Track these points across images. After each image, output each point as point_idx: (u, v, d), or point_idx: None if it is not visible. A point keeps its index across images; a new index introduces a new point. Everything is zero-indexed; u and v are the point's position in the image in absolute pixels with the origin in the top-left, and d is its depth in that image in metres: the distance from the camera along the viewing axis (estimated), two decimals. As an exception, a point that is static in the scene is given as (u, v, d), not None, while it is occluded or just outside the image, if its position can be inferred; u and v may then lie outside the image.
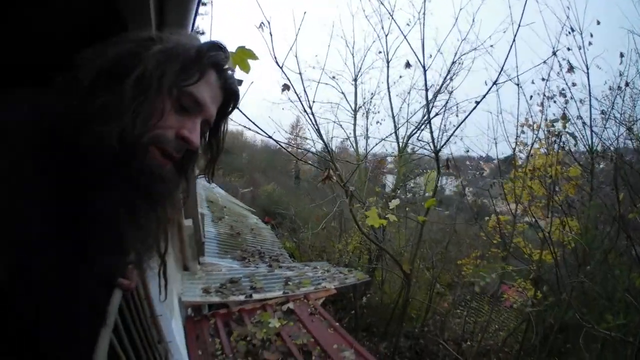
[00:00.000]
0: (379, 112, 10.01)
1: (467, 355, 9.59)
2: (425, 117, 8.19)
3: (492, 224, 7.83)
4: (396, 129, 8.41)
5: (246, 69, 1.45)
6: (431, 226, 9.00)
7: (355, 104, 10.22)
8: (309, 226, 11.55)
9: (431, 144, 4.93)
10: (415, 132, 8.45)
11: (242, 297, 4.16)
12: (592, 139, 6.62)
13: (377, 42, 10.79)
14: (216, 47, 0.70)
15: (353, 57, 10.40)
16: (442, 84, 7.88)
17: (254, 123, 2.84)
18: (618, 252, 6.39)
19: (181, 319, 3.87)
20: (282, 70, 3.06)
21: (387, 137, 9.41)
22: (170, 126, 0.63)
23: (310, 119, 3.45)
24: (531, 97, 6.47)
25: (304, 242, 11.10)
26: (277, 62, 2.91)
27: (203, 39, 0.74)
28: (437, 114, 7.25)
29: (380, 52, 9.22)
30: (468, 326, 10.39)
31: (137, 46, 0.63)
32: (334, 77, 9.85)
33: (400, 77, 9.20)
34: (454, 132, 4.65)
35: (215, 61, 0.69)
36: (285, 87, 3.17)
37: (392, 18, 6.37)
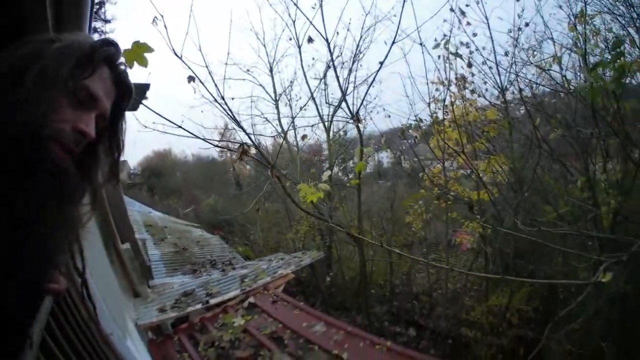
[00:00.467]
0: (300, 97, 10.08)
1: (440, 302, 10.17)
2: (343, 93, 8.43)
3: (429, 179, 8.27)
4: (318, 110, 8.54)
5: (144, 63, 1.42)
6: (375, 198, 9.32)
7: (275, 93, 10.19)
8: (257, 225, 11.44)
9: (349, 113, 5.09)
10: (337, 109, 8.64)
11: (199, 306, 4.04)
12: (500, 78, 7.20)
13: (287, 30, 10.85)
14: (108, 43, 0.74)
15: (265, 47, 10.34)
16: (354, 59, 8.10)
17: (171, 121, 2.71)
18: (549, 173, 7.12)
19: (144, 345, 3.68)
20: (183, 61, 2.96)
21: (314, 124, 9.53)
22: (67, 120, 0.65)
23: (224, 108, 3.38)
24: (439, 56, 6.88)
25: (256, 242, 10.98)
26: (175, 53, 2.81)
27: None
28: (355, 87, 7.50)
29: (291, 39, 9.26)
30: (432, 277, 10.94)
31: (36, 46, 0.66)
32: (248, 70, 9.74)
33: (313, 59, 9.29)
34: (366, 93, 4.82)
35: (107, 56, 0.72)
36: (191, 79, 3.07)
37: (296, 5, 6.42)
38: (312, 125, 9.63)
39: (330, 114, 8.68)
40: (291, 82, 10.26)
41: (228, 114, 3.69)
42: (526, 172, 6.79)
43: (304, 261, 5.10)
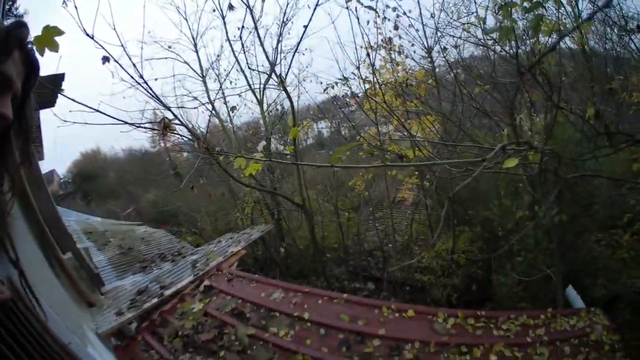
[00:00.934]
0: (229, 71, 9.79)
1: (392, 254, 10.87)
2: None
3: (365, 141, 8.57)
4: (248, 82, 8.39)
5: (55, 47, 1.41)
6: (319, 170, 9.49)
7: (201, 69, 9.81)
8: (202, 211, 11.27)
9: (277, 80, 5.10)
10: (269, 79, 8.53)
11: (155, 300, 4.07)
12: (427, 41, 7.54)
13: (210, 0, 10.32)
14: (19, 25, 0.72)
15: (187, 21, 9.81)
16: (282, 26, 7.94)
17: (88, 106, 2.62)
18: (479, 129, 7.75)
19: (109, 352, 3.67)
20: (95, 41, 2.85)
21: (241, 93, 9.37)
22: None
23: (145, 88, 3.30)
24: (368, 22, 7.00)
25: (205, 229, 10.87)
26: (86, 33, 2.70)
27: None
28: (284, 56, 7.45)
29: (214, 10, 8.87)
30: (381, 233, 11.56)
31: None
32: (170, 47, 9.23)
33: (239, 28, 8.95)
34: (292, 57, 4.85)
35: (18, 38, 0.71)
36: (105, 59, 2.97)
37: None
38: (240, 94, 9.51)
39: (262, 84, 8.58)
40: (218, 55, 9.91)
41: (149, 93, 3.59)
42: (455, 127, 7.33)
43: (253, 235, 5.24)
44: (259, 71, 8.56)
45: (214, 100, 9.60)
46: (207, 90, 10.11)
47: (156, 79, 9.45)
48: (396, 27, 8.18)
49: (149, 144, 32.20)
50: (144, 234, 7.61)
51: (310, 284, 10.26)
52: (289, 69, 5.00)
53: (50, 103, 4.40)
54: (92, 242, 6.84)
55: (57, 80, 3.85)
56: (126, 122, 2.96)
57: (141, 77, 3.53)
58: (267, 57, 7.01)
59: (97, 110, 2.77)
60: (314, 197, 10.05)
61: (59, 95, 4.20)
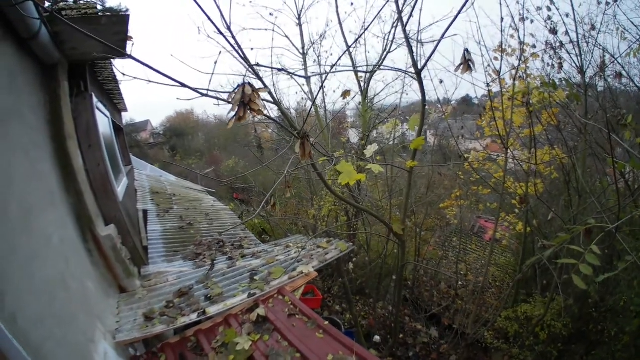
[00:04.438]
0: (332, 54, 8.76)
1: (462, 296, 9.26)
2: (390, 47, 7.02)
3: (471, 162, 7.08)
4: (355, 67, 7.18)
5: None
6: (397, 173, 8.18)
7: (303, 45, 8.84)
8: (276, 195, 10.48)
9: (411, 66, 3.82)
10: (381, 62, 7.25)
11: (194, 317, 3.07)
12: (581, 58, 5.78)
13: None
14: None
15: None
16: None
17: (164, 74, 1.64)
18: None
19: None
20: None
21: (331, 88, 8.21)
22: None
23: (229, 41, 2.27)
24: (502, 19, 5.43)
25: (274, 215, 10.02)
26: None
27: None
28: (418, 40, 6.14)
29: None
30: (451, 264, 10.03)
31: None
32: (271, 14, 8.40)
33: (352, 4, 7.90)
34: (435, 47, 3.53)
35: None
36: None
37: None
38: (346, 94, 8.37)
39: (368, 75, 7.33)
40: (321, 35, 8.91)
41: (241, 57, 2.52)
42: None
43: (329, 254, 4.07)
44: (368, 66, 7.36)
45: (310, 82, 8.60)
46: (305, 70, 9.16)
47: (252, 49, 8.68)
48: (554, 31, 6.38)
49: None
50: (210, 209, 6.87)
51: (369, 307, 9.00)
52: (428, 59, 3.65)
53: (120, 52, 3.64)
54: (155, 206, 6.22)
55: (121, 22, 3.04)
56: (192, 88, 1.90)
57: (229, 29, 2.46)
58: (407, 38, 5.77)
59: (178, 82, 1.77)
60: (391, 206, 8.70)
61: (127, 42, 3.46)
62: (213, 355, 2.82)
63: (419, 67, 3.81)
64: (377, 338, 8.02)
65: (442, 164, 10.03)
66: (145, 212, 5.73)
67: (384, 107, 9.85)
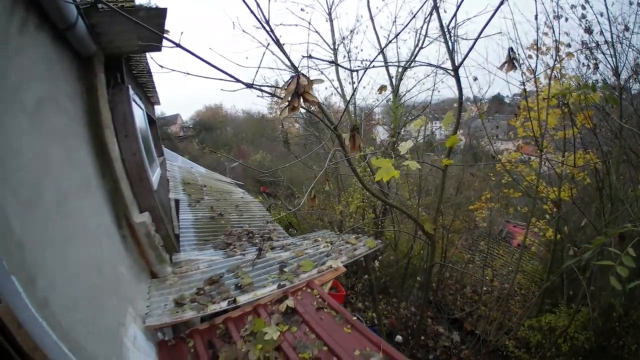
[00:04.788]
0: (362, 50, 8.57)
1: (486, 301, 8.96)
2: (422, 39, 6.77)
3: (503, 164, 6.74)
4: (386, 63, 6.98)
5: None
6: (429, 171, 7.92)
7: (334, 41, 8.67)
8: (303, 190, 10.39)
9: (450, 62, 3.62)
10: (414, 58, 7.01)
11: (224, 304, 3.04)
12: (616, 59, 5.38)
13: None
14: None
15: None
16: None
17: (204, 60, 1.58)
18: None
19: (152, 347, 2.78)
20: None
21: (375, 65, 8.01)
22: None
23: (272, 35, 2.18)
24: (536, 16, 5.10)
25: (301, 208, 9.99)
26: None
27: None
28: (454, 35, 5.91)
29: None
30: (477, 269, 9.70)
31: None
32: (302, 10, 8.28)
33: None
34: (474, 44, 3.32)
35: None
36: None
37: None
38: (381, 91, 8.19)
39: (399, 71, 7.11)
40: (351, 30, 8.71)
41: (272, 38, 2.43)
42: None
43: (358, 250, 3.95)
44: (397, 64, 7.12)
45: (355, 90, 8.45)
46: (336, 66, 8.99)
47: (283, 44, 8.63)
48: (589, 30, 5.96)
49: (267, 110, 33.50)
50: (239, 201, 6.89)
51: (392, 307, 8.83)
52: (465, 57, 3.46)
53: (156, 45, 3.64)
54: (186, 195, 6.29)
55: (158, 15, 3.01)
56: (242, 82, 1.83)
57: (267, 22, 2.37)
58: (446, 34, 5.47)
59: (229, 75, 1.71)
60: (420, 206, 8.45)
61: (164, 36, 3.44)
62: (241, 343, 2.78)
63: (457, 63, 3.62)
64: (399, 338, 7.87)
65: (472, 164, 9.67)
66: (177, 201, 5.81)
67: (416, 104, 9.57)
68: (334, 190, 10.54)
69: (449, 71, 3.78)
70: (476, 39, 3.34)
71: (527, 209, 8.46)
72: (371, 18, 8.08)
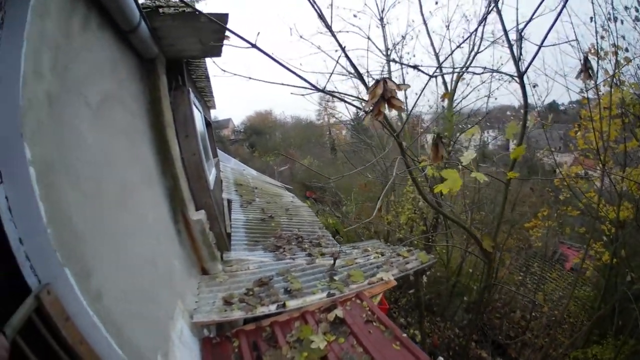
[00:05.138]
0: (414, 55, 8.28)
1: (533, 328, 8.21)
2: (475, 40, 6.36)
3: (564, 178, 6.10)
4: (441, 69, 6.62)
5: None
6: (486, 184, 7.37)
7: (386, 47, 8.47)
8: (351, 197, 10.17)
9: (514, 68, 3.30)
10: (470, 63, 6.63)
11: (273, 308, 2.95)
12: None
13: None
14: None
15: None
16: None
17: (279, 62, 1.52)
18: None
19: (196, 343, 2.74)
20: None
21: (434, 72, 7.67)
22: None
23: (338, 41, 2.06)
24: (592, 18, 4.58)
25: (348, 215, 9.75)
26: None
27: None
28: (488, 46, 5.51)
29: None
30: (527, 292, 8.90)
31: None
32: (355, 16, 8.18)
33: (436, 2, 7.33)
34: (539, 49, 2.99)
35: None
36: None
37: None
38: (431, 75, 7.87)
39: (455, 77, 6.74)
40: (403, 36, 8.46)
41: (341, 46, 2.29)
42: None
43: (410, 264, 3.70)
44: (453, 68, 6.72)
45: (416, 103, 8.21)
46: (389, 72, 8.75)
47: (336, 50, 8.56)
48: None
49: (315, 116, 33.78)
50: (289, 205, 6.86)
51: (437, 327, 8.33)
52: (530, 62, 3.13)
53: (216, 51, 3.67)
54: (238, 196, 6.36)
55: (220, 20, 2.99)
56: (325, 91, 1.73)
57: (329, 28, 2.24)
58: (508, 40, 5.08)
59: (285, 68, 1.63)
60: (473, 219, 7.88)
61: (224, 43, 3.46)
62: (287, 349, 2.65)
63: (522, 69, 3.29)
64: (441, 359, 7.38)
65: (533, 177, 8.92)
66: (229, 201, 5.88)
67: (469, 111, 9.05)
68: (384, 199, 10.23)
69: (514, 78, 3.45)
70: (540, 46, 3.03)
71: (585, 230, 7.65)
72: (424, 22, 7.79)
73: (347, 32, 8.43)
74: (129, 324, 1.74)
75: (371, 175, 8.69)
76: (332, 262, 3.73)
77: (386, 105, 1.22)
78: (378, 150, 9.44)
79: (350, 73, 6.41)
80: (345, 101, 1.75)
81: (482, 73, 5.66)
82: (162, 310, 2.36)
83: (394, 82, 1.24)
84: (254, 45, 1.52)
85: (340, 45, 2.42)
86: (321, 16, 2.00)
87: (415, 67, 1.99)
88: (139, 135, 2.83)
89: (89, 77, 1.89)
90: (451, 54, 6.64)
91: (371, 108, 1.25)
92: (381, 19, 8.70)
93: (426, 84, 3.55)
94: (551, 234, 10.11)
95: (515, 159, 3.30)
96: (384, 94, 1.20)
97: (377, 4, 10.07)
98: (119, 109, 2.39)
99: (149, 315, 2.13)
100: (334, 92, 1.85)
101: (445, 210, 6.56)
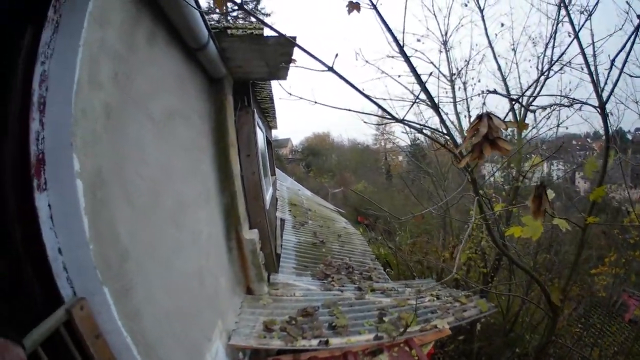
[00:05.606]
0: (479, 80, 7.85)
1: None
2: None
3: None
4: (509, 93, 6.12)
5: None
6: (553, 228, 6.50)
7: (450, 72, 8.13)
8: (406, 229, 9.64)
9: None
10: (540, 89, 6.05)
11: (314, 343, 2.71)
12: None
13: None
14: None
15: (435, 17, 8.40)
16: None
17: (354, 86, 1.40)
18: None
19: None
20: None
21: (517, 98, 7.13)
22: None
23: (402, 52, 1.88)
24: None
25: (401, 247, 9.20)
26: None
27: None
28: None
29: (467, 4, 7.16)
30: (583, 346, 7.62)
31: None
32: (418, 40, 7.99)
33: (502, 24, 6.95)
34: (620, 74, 2.54)
35: None
36: (352, 7, 1.64)
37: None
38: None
39: (528, 101, 6.16)
40: (467, 61, 8.07)
41: (409, 65, 2.09)
42: None
43: (468, 312, 3.27)
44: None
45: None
46: (454, 97, 8.35)
47: (399, 76, 8.36)
48: None
49: (372, 141, 33.50)
50: (342, 231, 6.62)
51: None
52: (612, 91, 2.70)
53: (283, 74, 3.66)
54: (292, 217, 6.27)
55: (287, 44, 2.95)
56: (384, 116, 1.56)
57: (401, 48, 2.05)
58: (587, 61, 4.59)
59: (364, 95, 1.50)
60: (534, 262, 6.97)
61: (290, 66, 3.43)
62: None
63: (603, 97, 2.84)
64: None
65: (610, 223, 7.81)
66: (282, 220, 5.81)
67: (539, 139, 8.25)
68: (437, 233, 9.60)
69: (596, 108, 2.98)
70: (620, 72, 2.58)
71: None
72: (490, 45, 7.34)
73: (410, 56, 8.23)
74: (163, 344, 1.63)
75: (427, 205, 8.16)
76: (382, 299, 3.41)
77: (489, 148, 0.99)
78: (438, 179, 8.95)
79: (421, 100, 6.17)
80: (422, 133, 1.54)
81: (561, 105, 5.09)
82: (201, 330, 2.24)
83: (499, 118, 1.00)
84: (330, 69, 1.38)
85: (417, 75, 2.21)
86: (396, 41, 1.84)
87: (493, 92, 1.72)
88: (201, 152, 2.84)
89: (154, 91, 1.88)
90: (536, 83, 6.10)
91: (469, 149, 1.02)
92: (444, 43, 8.43)
93: (507, 113, 3.19)
94: (617, 283, 8.72)
95: (594, 202, 2.80)
96: (488, 133, 0.97)
97: (439, 28, 9.77)
98: (183, 125, 2.39)
99: (187, 335, 2.01)
100: (411, 122, 1.66)
101: (510, 252, 5.90)
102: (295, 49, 2.98)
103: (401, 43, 1.86)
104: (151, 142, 1.82)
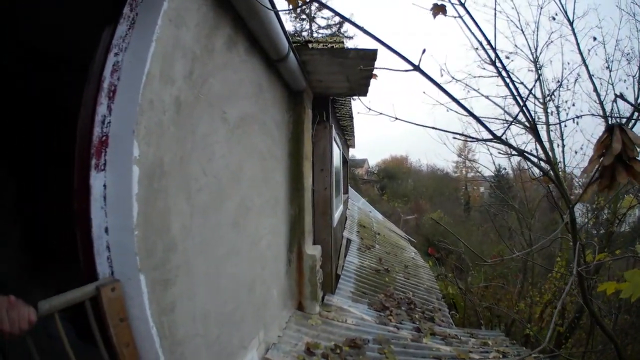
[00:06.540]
0: (573, 104, 6.90)
1: None
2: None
3: None
4: (607, 117, 5.13)
5: None
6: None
7: (543, 93, 7.27)
8: (480, 269, 8.65)
9: None
10: None
11: (358, 379, 2.43)
12: None
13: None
14: None
15: (523, 32, 7.61)
16: None
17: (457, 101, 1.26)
18: None
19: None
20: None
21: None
22: None
23: (499, 70, 1.61)
24: None
25: (472, 289, 8.24)
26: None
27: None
28: None
29: (555, 17, 6.35)
30: None
31: None
32: (507, 57, 7.31)
33: (595, 39, 5.99)
34: None
35: None
36: (438, 10, 1.46)
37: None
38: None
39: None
40: (559, 81, 7.11)
41: (504, 79, 1.78)
42: None
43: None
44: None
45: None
46: (547, 121, 7.41)
47: (487, 96, 7.71)
48: None
49: (452, 169, 31.40)
50: (409, 261, 6.16)
51: None
52: None
53: (363, 90, 3.54)
54: (359, 238, 6.02)
55: (369, 57, 2.82)
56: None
57: (499, 60, 1.76)
58: None
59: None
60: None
61: (370, 82, 3.31)
62: None
63: None
64: None
65: None
66: (349, 241, 5.60)
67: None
68: (515, 278, 8.46)
69: None
70: None
71: None
72: (584, 63, 6.30)
73: (497, 76, 7.58)
74: (192, 344, 1.55)
75: (508, 244, 7.20)
76: (441, 346, 2.98)
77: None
78: (524, 216, 7.92)
79: (517, 122, 5.60)
80: (529, 159, 1.27)
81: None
82: (238, 337, 2.14)
83: (634, 133, 0.72)
84: (416, 68, 1.20)
85: (516, 92, 1.90)
86: (499, 59, 1.58)
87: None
88: (274, 161, 2.82)
89: (230, 95, 1.89)
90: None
91: (596, 175, 0.74)
92: (535, 61, 7.58)
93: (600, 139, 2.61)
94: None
95: None
96: (622, 151, 0.69)
97: (528, 44, 8.82)
98: (259, 133, 2.39)
99: (221, 339, 1.92)
100: (510, 144, 1.38)
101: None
102: (374, 60, 2.86)
103: (492, 56, 1.59)
104: (222, 144, 1.81)
